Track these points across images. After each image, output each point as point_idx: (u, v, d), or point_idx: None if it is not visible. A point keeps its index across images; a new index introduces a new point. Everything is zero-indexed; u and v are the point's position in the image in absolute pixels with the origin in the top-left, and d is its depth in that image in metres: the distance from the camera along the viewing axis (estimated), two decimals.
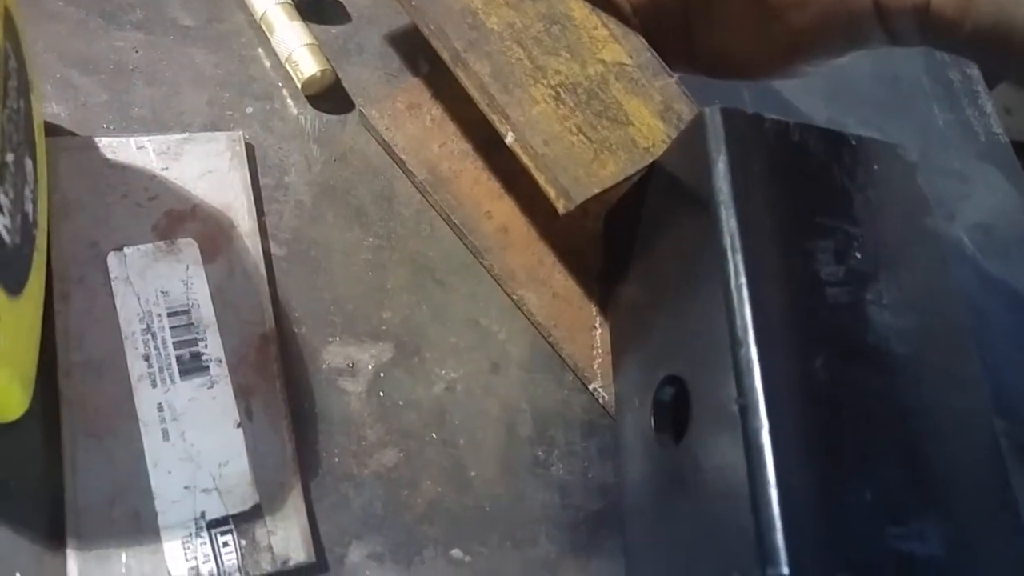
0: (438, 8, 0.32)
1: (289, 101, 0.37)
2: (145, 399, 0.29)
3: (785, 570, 0.22)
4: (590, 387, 0.35)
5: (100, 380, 0.29)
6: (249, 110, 0.36)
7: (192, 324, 0.30)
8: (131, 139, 0.33)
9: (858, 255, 0.28)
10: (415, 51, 0.40)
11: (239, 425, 0.30)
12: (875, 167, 0.31)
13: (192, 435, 0.29)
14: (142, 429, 0.28)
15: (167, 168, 0.33)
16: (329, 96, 0.38)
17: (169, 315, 0.30)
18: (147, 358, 0.29)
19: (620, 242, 0.36)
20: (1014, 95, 1.20)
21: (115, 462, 0.28)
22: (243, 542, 0.28)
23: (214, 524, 0.28)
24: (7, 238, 0.24)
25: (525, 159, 0.31)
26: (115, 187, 0.32)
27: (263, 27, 0.37)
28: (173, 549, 0.27)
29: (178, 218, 0.32)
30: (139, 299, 0.30)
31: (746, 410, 0.24)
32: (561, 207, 0.31)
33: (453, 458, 0.33)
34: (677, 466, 0.28)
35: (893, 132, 0.53)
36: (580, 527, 0.33)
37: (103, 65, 0.34)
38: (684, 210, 0.30)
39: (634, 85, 0.34)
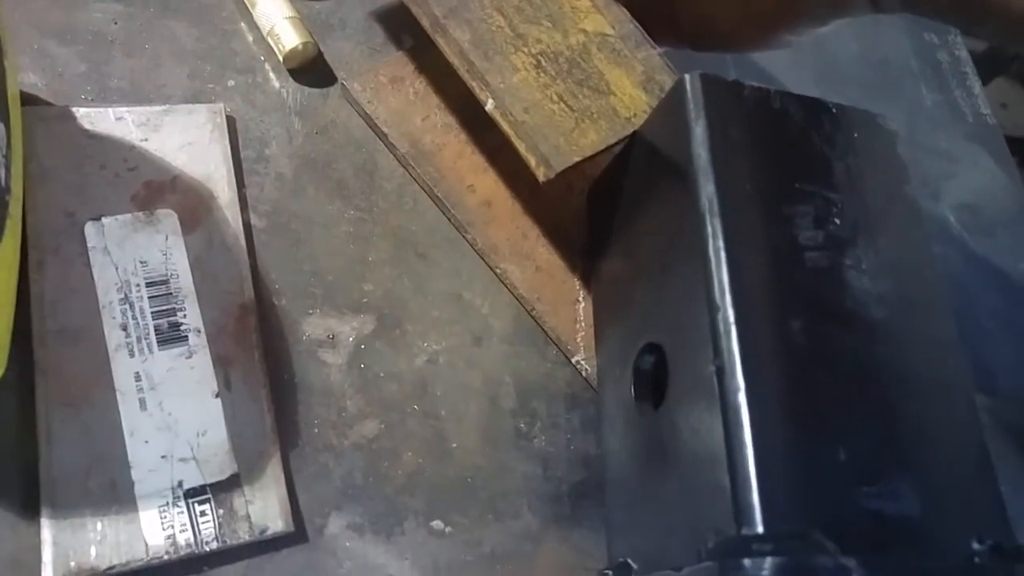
0: None
1: (271, 74, 0.37)
2: (122, 368, 0.29)
3: (760, 529, 0.22)
4: (573, 360, 0.35)
5: (76, 349, 0.28)
6: (230, 83, 0.36)
7: (171, 294, 0.30)
8: (110, 110, 0.33)
9: (837, 221, 0.28)
10: (398, 26, 0.40)
11: (217, 395, 0.29)
12: (855, 135, 0.30)
13: (170, 404, 0.29)
14: (119, 398, 0.28)
15: (146, 139, 0.33)
16: (311, 70, 0.37)
17: (147, 285, 0.30)
18: (124, 327, 0.29)
19: (603, 215, 0.36)
20: (1010, 90, 1.20)
21: (91, 431, 0.28)
22: (221, 511, 0.28)
23: (191, 493, 0.28)
24: None
25: (505, 126, 0.31)
26: (93, 157, 0.32)
27: (245, 1, 0.37)
28: (150, 518, 0.27)
29: (157, 189, 0.32)
30: (117, 269, 0.30)
31: (723, 372, 0.24)
32: (541, 175, 0.31)
33: (435, 430, 0.32)
34: (656, 432, 0.28)
35: (881, 112, 0.53)
36: (562, 499, 0.33)
37: (81, 36, 0.34)
38: (664, 179, 0.30)
39: (616, 55, 0.34)
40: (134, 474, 0.28)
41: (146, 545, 0.27)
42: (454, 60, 0.32)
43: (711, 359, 0.25)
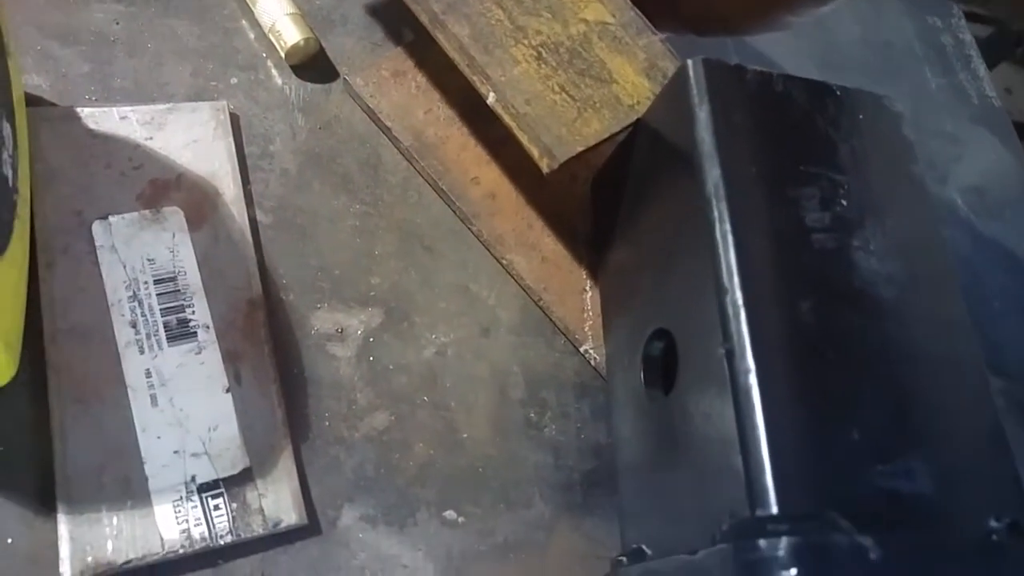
0: None
1: (273, 71, 0.37)
2: (133, 365, 0.29)
3: (775, 510, 0.22)
4: (581, 349, 0.35)
5: (87, 347, 0.29)
6: (233, 81, 0.36)
7: (179, 291, 0.30)
8: (114, 109, 0.33)
9: (843, 202, 0.28)
10: (399, 21, 0.40)
11: (228, 390, 0.30)
12: (860, 117, 0.30)
13: (181, 400, 0.29)
14: (130, 395, 0.28)
15: (151, 138, 0.33)
16: (313, 66, 0.37)
17: (155, 282, 0.30)
18: (134, 325, 0.29)
19: (608, 205, 0.36)
20: (1014, 75, 1.19)
21: (104, 428, 0.28)
22: (234, 505, 0.28)
23: (204, 488, 0.28)
24: None
25: (507, 119, 0.31)
26: (98, 157, 0.32)
27: None
28: (164, 512, 0.27)
29: (163, 187, 0.32)
30: (125, 267, 0.30)
31: (733, 355, 0.24)
32: (545, 166, 0.31)
33: (445, 420, 0.32)
34: (667, 418, 0.28)
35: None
36: (574, 487, 0.33)
37: (83, 36, 0.34)
38: (669, 165, 0.30)
39: (618, 43, 0.34)
40: (147, 469, 0.28)
41: (161, 539, 0.27)
42: (454, 55, 0.32)
43: (721, 342, 0.24)
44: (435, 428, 0.32)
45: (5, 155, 0.26)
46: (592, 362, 0.35)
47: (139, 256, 0.30)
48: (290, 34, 0.36)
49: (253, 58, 0.37)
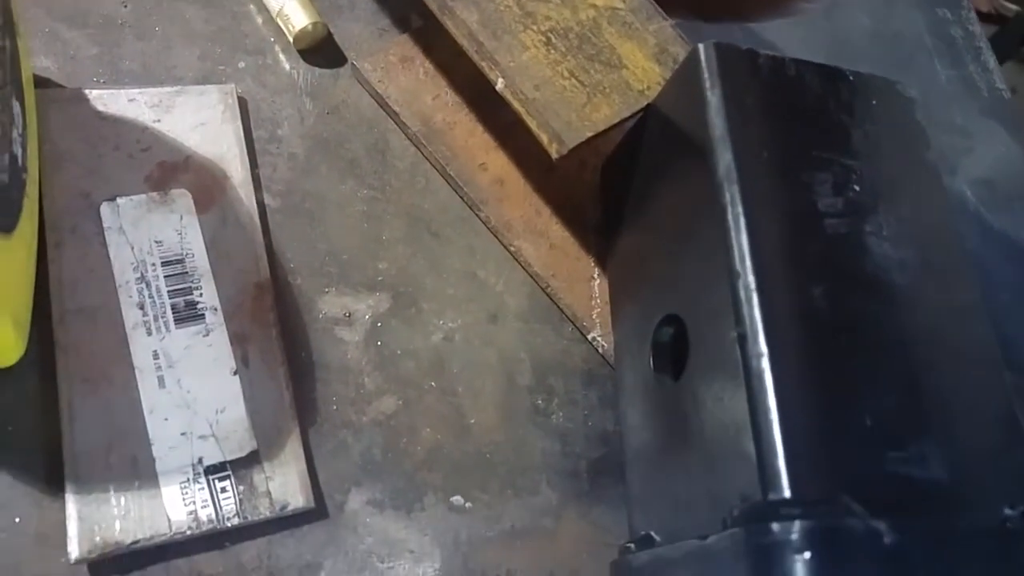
0: None
1: (281, 56, 0.37)
2: (140, 346, 0.29)
3: (787, 493, 0.22)
4: (589, 336, 0.35)
5: (94, 327, 0.28)
6: (241, 65, 0.36)
7: (187, 273, 0.30)
8: (122, 91, 0.33)
9: (856, 188, 0.28)
10: (407, 7, 0.40)
11: (235, 372, 0.29)
12: (873, 102, 0.30)
13: (188, 382, 0.29)
14: (138, 376, 0.28)
15: (159, 120, 0.33)
16: (321, 50, 0.37)
17: (163, 264, 0.30)
18: (141, 306, 0.29)
19: (617, 191, 0.36)
20: (1020, 74, 1.19)
21: (111, 408, 0.28)
22: (241, 488, 0.28)
23: (212, 470, 0.28)
24: None
25: (516, 104, 0.31)
26: (107, 139, 0.32)
27: None
28: (171, 494, 0.27)
29: (171, 169, 0.32)
30: (133, 248, 0.30)
31: (745, 339, 0.24)
32: (554, 151, 0.31)
33: (452, 406, 0.32)
34: (677, 403, 0.28)
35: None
36: (581, 475, 0.33)
37: (92, 19, 0.34)
38: (680, 149, 0.30)
39: (627, 29, 0.34)
40: (155, 451, 0.28)
41: (169, 520, 0.27)
42: (463, 41, 0.32)
43: (733, 326, 0.24)
44: (442, 413, 0.32)
45: (15, 134, 0.26)
46: (600, 350, 0.35)
47: (147, 238, 0.30)
48: (298, 18, 0.36)
49: (261, 42, 0.37)
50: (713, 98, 0.28)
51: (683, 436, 0.27)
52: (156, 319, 0.29)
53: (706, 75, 0.28)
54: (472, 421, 0.32)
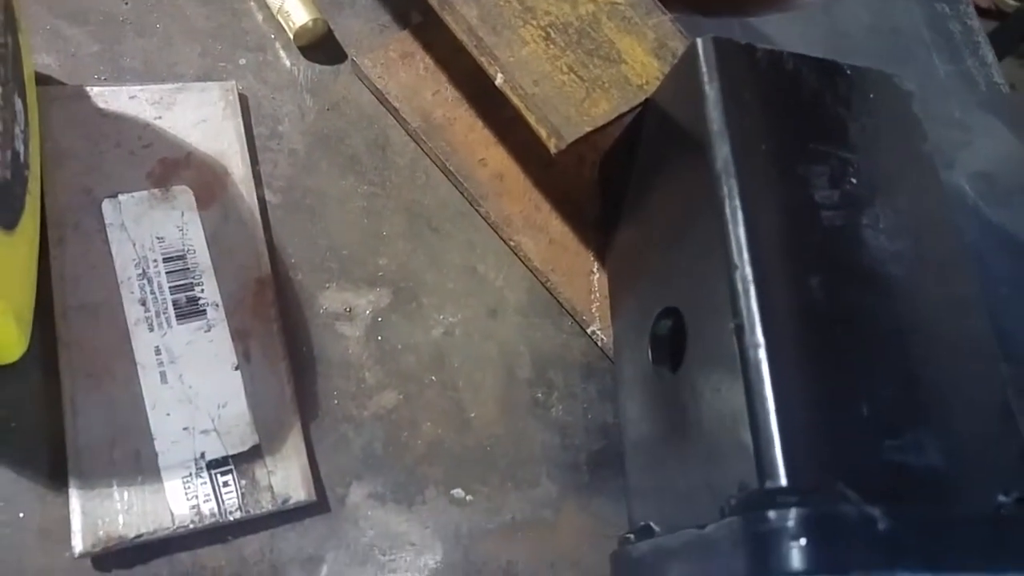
0: None
1: (281, 52, 0.37)
2: (142, 342, 0.29)
3: (784, 482, 0.22)
4: (588, 330, 0.35)
5: (97, 323, 0.29)
6: (242, 61, 0.36)
7: (188, 269, 0.30)
8: (123, 88, 0.33)
9: (853, 180, 0.28)
10: (407, 3, 0.40)
11: (237, 367, 0.30)
12: (870, 96, 0.30)
13: (190, 377, 0.29)
14: (140, 371, 0.29)
15: (160, 117, 0.33)
16: (321, 47, 0.37)
17: (165, 260, 0.30)
18: (143, 302, 0.30)
19: (616, 186, 0.36)
20: (1019, 71, 1.19)
21: (114, 404, 0.28)
22: (243, 482, 0.28)
23: (214, 464, 0.28)
24: None
25: (515, 99, 0.31)
26: (108, 135, 0.32)
27: None
28: (174, 488, 0.27)
29: (172, 166, 0.32)
30: (134, 245, 0.30)
31: (742, 330, 0.24)
32: (553, 146, 0.31)
33: (453, 400, 0.33)
34: (675, 394, 0.28)
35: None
36: (581, 467, 0.33)
37: (92, 16, 0.34)
38: (679, 143, 0.30)
39: (627, 23, 0.34)
40: (157, 445, 0.28)
41: (171, 514, 0.27)
42: (462, 36, 0.32)
43: (730, 318, 0.24)
44: (443, 407, 0.32)
45: (17, 131, 0.26)
46: (599, 343, 0.35)
47: (148, 234, 0.31)
48: (298, 15, 0.36)
49: (261, 39, 0.37)
50: (711, 92, 0.28)
51: (682, 427, 0.27)
52: (158, 315, 0.29)
53: (704, 69, 0.28)
54: (472, 415, 0.33)
